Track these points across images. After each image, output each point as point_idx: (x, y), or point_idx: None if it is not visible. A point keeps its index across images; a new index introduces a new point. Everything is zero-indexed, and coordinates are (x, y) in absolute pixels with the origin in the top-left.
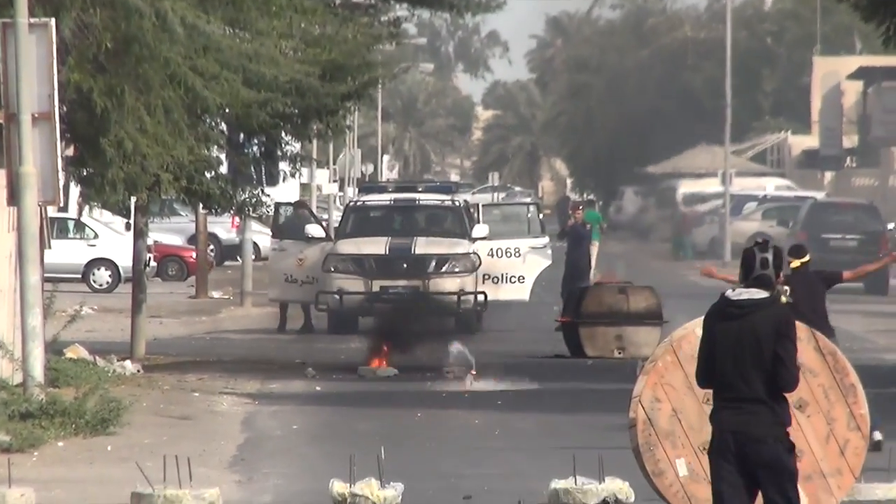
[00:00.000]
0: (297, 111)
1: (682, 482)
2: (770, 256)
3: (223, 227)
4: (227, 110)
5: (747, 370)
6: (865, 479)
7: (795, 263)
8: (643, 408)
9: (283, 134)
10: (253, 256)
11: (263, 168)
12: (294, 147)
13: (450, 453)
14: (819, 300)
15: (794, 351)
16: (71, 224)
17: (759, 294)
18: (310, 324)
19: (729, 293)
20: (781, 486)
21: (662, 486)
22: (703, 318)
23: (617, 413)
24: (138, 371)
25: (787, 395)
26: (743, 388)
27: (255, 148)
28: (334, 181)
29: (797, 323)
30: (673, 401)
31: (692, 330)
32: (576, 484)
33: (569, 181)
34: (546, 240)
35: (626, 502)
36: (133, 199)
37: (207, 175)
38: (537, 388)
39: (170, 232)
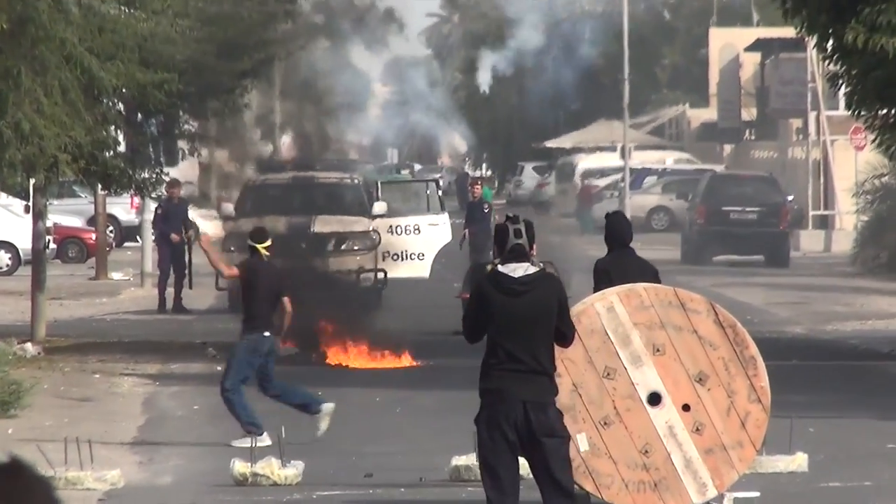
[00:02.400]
0: (194, 90)
1: (584, 457)
2: (522, 227)
3: (123, 209)
4: (123, 90)
5: (534, 343)
6: (767, 451)
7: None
8: None
9: (180, 113)
10: (152, 237)
11: (162, 147)
12: (192, 126)
13: (351, 431)
14: None
15: (569, 314)
16: None
17: (532, 268)
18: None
19: (503, 269)
20: (561, 453)
21: None
22: (477, 285)
23: None
24: (39, 353)
25: (684, 368)
26: (529, 360)
27: (152, 128)
28: (233, 160)
29: (697, 296)
30: (573, 375)
31: (591, 304)
32: (476, 460)
33: (467, 158)
34: (445, 216)
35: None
36: (31, 181)
37: (106, 155)
38: (438, 365)
39: (69, 214)
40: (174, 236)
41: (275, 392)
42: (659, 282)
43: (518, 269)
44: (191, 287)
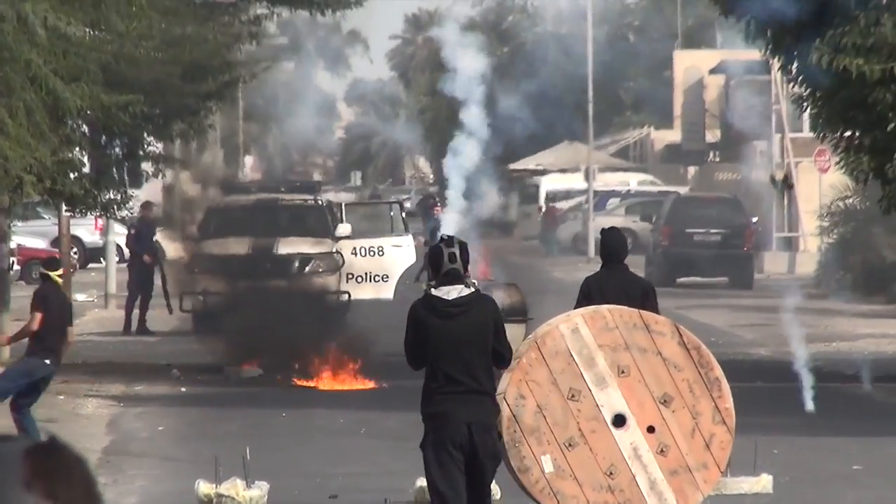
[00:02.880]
0: (158, 111)
1: (548, 478)
2: (457, 251)
3: (87, 230)
4: (88, 112)
5: (472, 364)
6: (731, 472)
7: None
8: (508, 404)
9: (145, 135)
10: (117, 258)
11: (126, 169)
12: (157, 148)
13: (315, 453)
14: None
15: (505, 335)
16: None
17: (466, 290)
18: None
19: (436, 292)
20: (493, 473)
21: (528, 483)
22: (411, 310)
23: None
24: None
25: (648, 389)
26: (469, 382)
27: (116, 149)
28: (197, 182)
29: (661, 318)
30: (537, 397)
31: (556, 326)
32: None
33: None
34: (409, 238)
35: (494, 499)
36: None
37: (71, 176)
38: (402, 386)
39: (34, 235)
40: (146, 257)
41: (20, 418)
42: (654, 298)
43: (452, 292)
44: (170, 312)
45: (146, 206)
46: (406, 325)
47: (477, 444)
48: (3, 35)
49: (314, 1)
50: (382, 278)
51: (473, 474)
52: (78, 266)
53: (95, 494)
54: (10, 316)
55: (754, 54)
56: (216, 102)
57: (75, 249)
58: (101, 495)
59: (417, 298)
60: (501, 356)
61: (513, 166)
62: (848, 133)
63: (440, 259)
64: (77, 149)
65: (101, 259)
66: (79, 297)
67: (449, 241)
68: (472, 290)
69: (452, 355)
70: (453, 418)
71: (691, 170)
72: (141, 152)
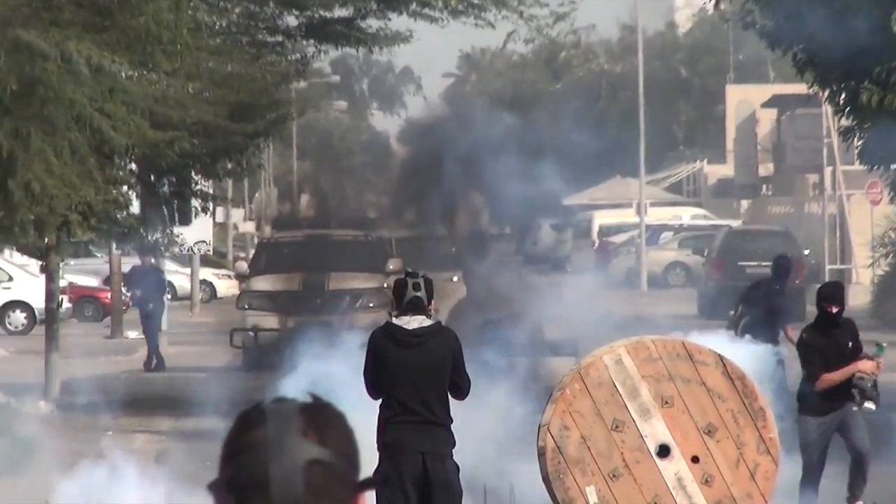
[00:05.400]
0: (205, 151)
1: None
2: (421, 281)
3: None
4: (135, 150)
5: (428, 395)
6: (776, 502)
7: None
8: (552, 436)
9: (192, 173)
10: (169, 296)
11: (175, 207)
12: (204, 186)
13: None
14: None
15: (464, 368)
16: None
17: (427, 321)
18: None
19: (397, 321)
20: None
21: None
22: (371, 338)
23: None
24: (52, 411)
25: (692, 419)
26: (424, 412)
27: (165, 187)
28: (250, 220)
29: (705, 348)
30: (581, 428)
31: (599, 357)
32: None
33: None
34: (460, 272)
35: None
36: (45, 240)
37: (118, 215)
38: None
39: (86, 273)
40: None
41: None
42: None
43: (413, 322)
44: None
45: (145, 252)
46: (366, 352)
47: (430, 474)
48: (47, 74)
49: (361, 38)
50: (433, 313)
51: None
52: (130, 304)
53: (355, 442)
54: (61, 354)
55: (805, 88)
56: (264, 140)
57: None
58: (358, 444)
59: (377, 326)
60: (459, 388)
61: (566, 201)
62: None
63: (404, 289)
64: (125, 188)
65: None
66: (130, 334)
67: (413, 273)
68: (433, 321)
69: (408, 385)
70: (406, 448)
71: (744, 203)
72: (189, 191)
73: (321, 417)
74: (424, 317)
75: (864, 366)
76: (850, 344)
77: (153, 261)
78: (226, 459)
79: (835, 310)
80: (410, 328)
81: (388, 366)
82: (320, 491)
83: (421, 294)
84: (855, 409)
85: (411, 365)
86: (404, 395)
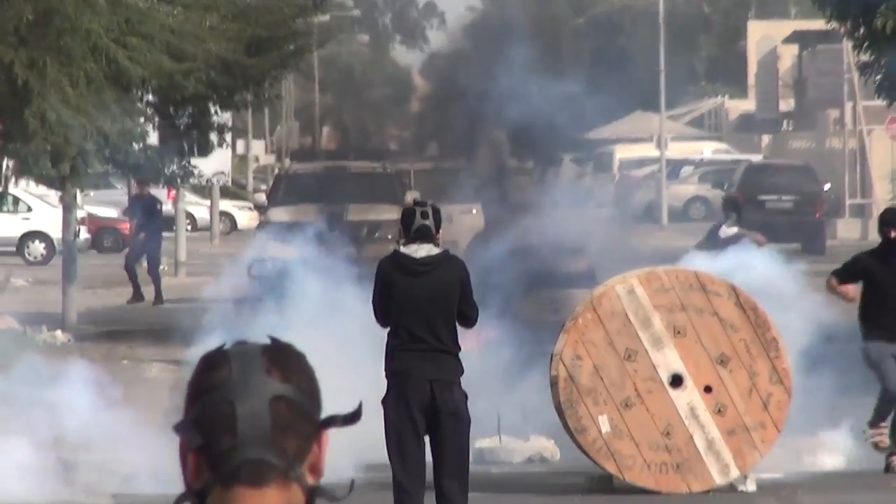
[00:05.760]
0: (223, 83)
1: (605, 438)
2: (429, 210)
3: None
4: (151, 81)
5: (436, 323)
6: (791, 433)
7: None
8: (564, 365)
9: (210, 105)
10: (188, 227)
11: (194, 138)
12: (222, 118)
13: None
14: None
15: (472, 296)
16: (9, 199)
17: (435, 250)
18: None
19: (405, 250)
20: (460, 432)
21: (586, 443)
22: (379, 267)
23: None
24: (69, 341)
25: (705, 350)
26: (432, 340)
27: (183, 119)
28: (272, 152)
29: (717, 279)
30: (594, 357)
31: (612, 287)
32: (500, 443)
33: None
34: (479, 205)
35: (552, 460)
36: (59, 170)
37: (135, 147)
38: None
39: (106, 204)
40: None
41: None
42: None
43: (420, 250)
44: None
45: (142, 182)
46: (374, 282)
47: (438, 402)
48: (63, 4)
49: None
50: (451, 245)
51: (436, 432)
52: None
53: (316, 381)
54: (79, 284)
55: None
56: (281, 72)
57: None
58: (319, 383)
59: (385, 255)
60: (467, 316)
61: (588, 136)
62: None
63: (412, 218)
64: (142, 119)
65: (172, 228)
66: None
67: (422, 202)
68: (441, 249)
69: (415, 313)
70: (414, 375)
71: (765, 138)
72: (207, 122)
73: (283, 356)
74: (432, 245)
75: None
76: None
77: (149, 189)
78: (191, 400)
79: (894, 235)
80: (418, 256)
81: (395, 294)
82: (286, 426)
83: (429, 222)
84: None
85: (419, 293)
86: (412, 324)
